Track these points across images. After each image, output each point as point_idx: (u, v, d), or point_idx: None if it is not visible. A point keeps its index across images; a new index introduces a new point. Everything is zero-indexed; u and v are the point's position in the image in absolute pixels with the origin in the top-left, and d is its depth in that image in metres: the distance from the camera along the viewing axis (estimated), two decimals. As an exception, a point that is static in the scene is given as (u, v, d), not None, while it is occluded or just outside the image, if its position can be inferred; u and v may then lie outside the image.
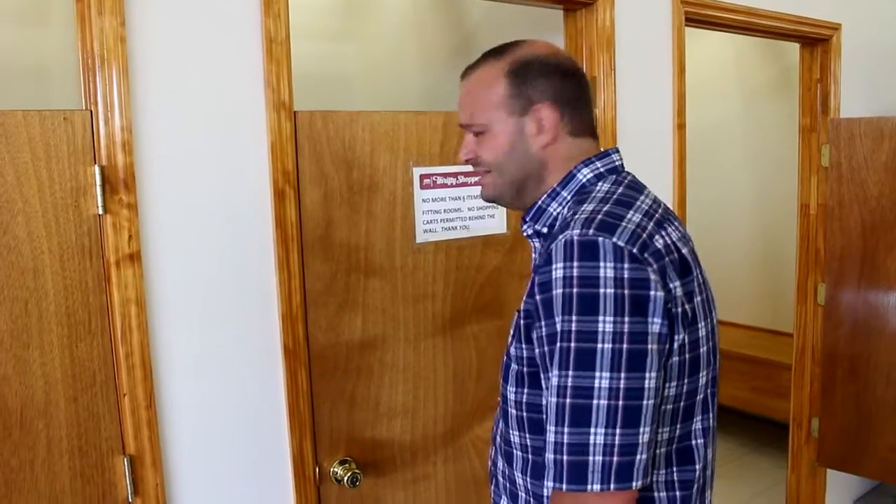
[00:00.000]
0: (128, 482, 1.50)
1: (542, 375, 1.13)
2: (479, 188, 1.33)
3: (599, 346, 1.03)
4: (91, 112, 1.42)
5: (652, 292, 1.06)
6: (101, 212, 1.43)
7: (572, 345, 1.04)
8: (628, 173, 1.28)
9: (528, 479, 1.22)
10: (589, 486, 1.03)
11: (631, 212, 1.14)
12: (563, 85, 1.23)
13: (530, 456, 1.21)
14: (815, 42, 3.11)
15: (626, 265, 1.05)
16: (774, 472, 4.00)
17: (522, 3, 2.16)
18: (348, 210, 1.77)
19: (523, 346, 1.16)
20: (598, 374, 1.03)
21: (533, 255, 1.33)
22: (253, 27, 1.59)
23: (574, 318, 1.04)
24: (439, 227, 1.93)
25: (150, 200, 1.49)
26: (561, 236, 1.09)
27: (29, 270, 1.38)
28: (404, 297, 1.89)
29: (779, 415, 3.86)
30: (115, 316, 1.46)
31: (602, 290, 1.04)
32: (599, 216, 1.11)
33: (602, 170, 1.25)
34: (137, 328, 1.48)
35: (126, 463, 1.50)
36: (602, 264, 1.05)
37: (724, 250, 4.84)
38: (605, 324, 1.04)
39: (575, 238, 1.07)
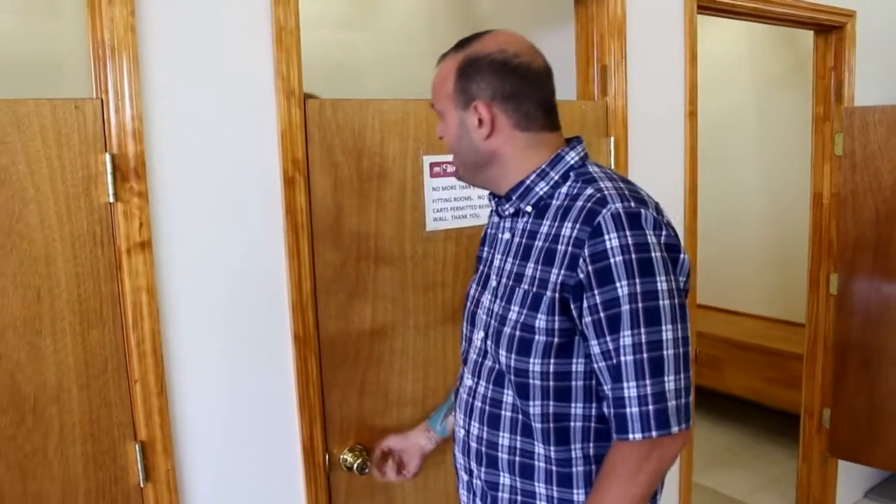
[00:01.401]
0: (139, 468, 1.51)
1: (581, 343, 1.23)
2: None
3: (662, 302, 1.16)
4: (102, 101, 1.43)
5: (682, 255, 1.23)
6: (112, 200, 1.44)
7: (639, 305, 1.15)
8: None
9: (555, 486, 1.31)
10: (673, 428, 1.15)
11: (641, 188, 1.30)
12: (505, 82, 1.28)
13: (552, 453, 1.29)
14: (830, 29, 3.08)
15: (662, 232, 1.20)
16: (786, 463, 3.99)
17: (533, -9, 2.15)
18: (358, 198, 1.78)
19: (555, 318, 1.22)
20: (665, 327, 1.16)
21: (500, 235, 1.40)
22: (263, 16, 1.59)
23: (637, 280, 1.15)
24: (449, 216, 1.93)
25: (161, 189, 1.50)
26: (604, 210, 1.19)
27: (41, 258, 1.39)
28: (414, 285, 1.89)
29: (791, 405, 3.85)
30: (127, 304, 1.47)
31: (654, 255, 1.17)
32: (627, 192, 1.23)
33: (584, 153, 1.36)
34: (148, 316, 1.49)
35: (138, 449, 1.51)
36: (648, 232, 1.18)
37: (737, 240, 4.82)
38: (662, 283, 1.16)
39: (621, 210, 1.18)
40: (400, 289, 1.87)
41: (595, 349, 1.20)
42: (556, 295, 1.22)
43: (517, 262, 1.32)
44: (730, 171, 4.73)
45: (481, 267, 1.48)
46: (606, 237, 1.16)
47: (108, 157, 1.43)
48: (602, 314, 1.17)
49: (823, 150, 3.22)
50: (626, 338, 1.15)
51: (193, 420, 1.58)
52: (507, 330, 1.29)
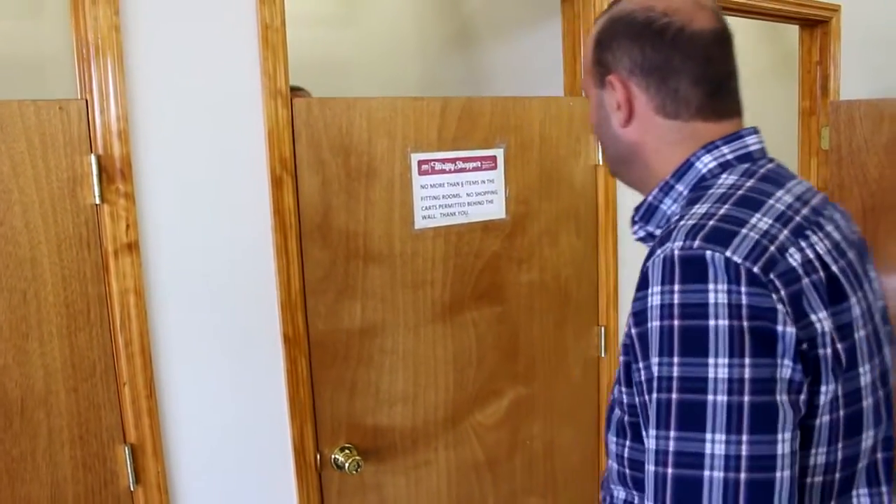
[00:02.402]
0: (129, 471, 1.51)
1: (643, 429, 0.90)
2: None
3: (710, 398, 0.78)
4: (86, 101, 1.42)
5: (779, 327, 0.79)
6: (98, 201, 1.43)
7: (674, 396, 0.80)
8: (769, 160, 1.02)
9: None
10: None
11: (757, 215, 0.87)
12: (644, 50, 0.98)
13: None
14: (815, 24, 3.09)
15: (743, 289, 0.80)
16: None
17: (519, -12, 2.15)
18: (346, 197, 1.77)
19: (623, 389, 0.93)
20: (709, 435, 0.78)
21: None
22: (248, 14, 1.58)
23: (676, 359, 0.81)
24: (438, 214, 1.93)
25: (148, 189, 1.49)
26: (659, 251, 0.85)
27: (27, 260, 1.38)
28: (403, 283, 1.89)
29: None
30: (114, 305, 1.46)
31: (712, 323, 0.79)
32: (711, 222, 0.85)
33: (729, 157, 0.98)
34: (136, 317, 1.48)
35: (127, 452, 1.50)
36: (712, 287, 0.80)
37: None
38: (718, 368, 0.78)
39: (676, 253, 0.83)
40: (389, 287, 1.87)
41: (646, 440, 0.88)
42: (622, 359, 0.92)
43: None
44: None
45: None
46: (650, 291, 0.84)
47: (93, 158, 1.42)
48: (645, 396, 0.86)
49: (810, 143, 3.23)
50: (652, 439, 0.83)
51: (183, 422, 1.57)
52: (609, 399, 1.02)
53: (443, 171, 1.93)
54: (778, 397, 0.78)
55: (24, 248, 1.37)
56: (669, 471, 0.80)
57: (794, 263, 0.84)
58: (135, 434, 1.50)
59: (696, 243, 0.83)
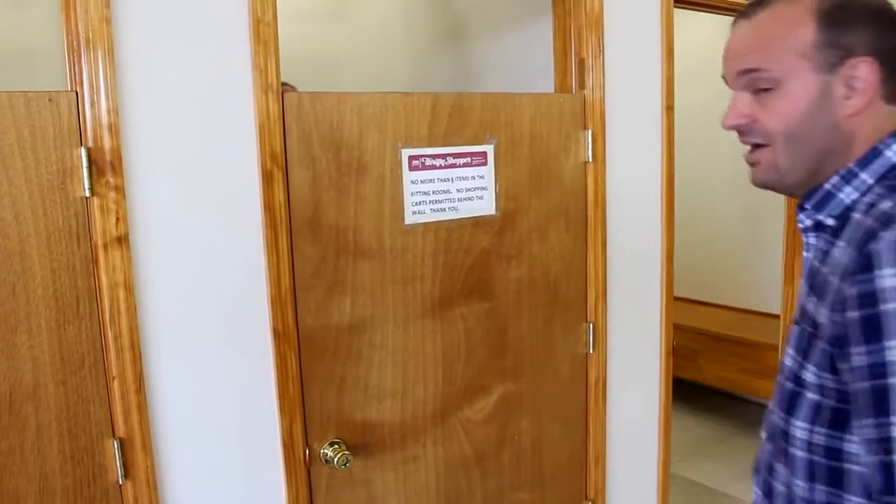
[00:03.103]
0: (118, 465, 1.50)
1: (854, 418, 0.89)
2: (750, 169, 1.04)
3: None
4: (77, 94, 1.41)
5: None
6: (87, 194, 1.43)
7: None
8: None
9: None
10: None
11: None
12: (888, 35, 0.95)
13: None
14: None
15: None
16: (761, 452, 4.03)
17: (511, -15, 2.15)
18: (336, 192, 1.77)
19: (828, 375, 0.91)
20: None
21: (805, 254, 1.06)
22: (240, 8, 1.58)
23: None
24: (428, 209, 1.93)
25: (138, 183, 1.49)
26: (886, 232, 0.84)
27: (16, 253, 1.37)
28: (393, 278, 1.89)
29: (766, 396, 3.89)
30: (104, 299, 1.46)
31: None
32: None
33: None
34: (126, 311, 1.47)
35: (116, 446, 1.50)
36: None
37: (712, 232, 4.86)
38: None
39: None
40: (379, 283, 1.87)
41: (859, 433, 0.88)
42: (825, 346, 0.91)
43: (806, 291, 0.99)
44: (705, 163, 4.77)
45: None
46: (878, 272, 0.83)
47: (83, 150, 1.41)
48: (867, 383, 0.84)
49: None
50: (885, 426, 0.82)
51: (172, 416, 1.57)
52: (780, 380, 1.01)
53: (433, 167, 1.93)
54: None
55: (14, 241, 1.37)
56: None
57: None
58: (124, 428, 1.50)
59: None
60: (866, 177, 0.96)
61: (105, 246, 1.44)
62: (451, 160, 1.96)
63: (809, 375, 0.94)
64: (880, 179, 0.95)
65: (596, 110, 2.24)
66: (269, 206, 1.64)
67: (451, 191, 1.97)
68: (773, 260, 3.72)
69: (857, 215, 0.93)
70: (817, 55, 0.94)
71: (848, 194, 0.97)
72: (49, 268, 1.41)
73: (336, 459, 1.77)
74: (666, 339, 2.53)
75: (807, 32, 0.95)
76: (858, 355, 0.85)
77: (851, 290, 0.85)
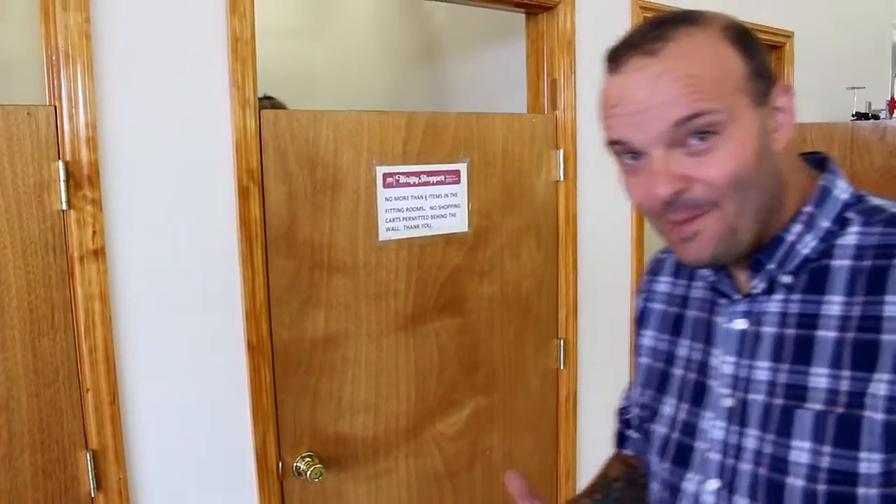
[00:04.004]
0: (90, 477, 1.50)
1: None
2: (684, 248, 0.84)
3: None
4: (55, 108, 1.42)
5: None
6: (64, 207, 1.44)
7: None
8: None
9: None
10: None
11: None
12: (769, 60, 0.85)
13: None
14: (770, 49, 3.19)
15: None
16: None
17: (485, 6, 2.19)
18: (312, 208, 1.79)
19: (884, 454, 0.76)
20: None
21: (712, 319, 0.94)
22: (218, 26, 1.60)
23: None
24: (401, 226, 1.96)
25: (115, 196, 1.50)
26: None
27: (-9, 265, 1.38)
28: (367, 294, 1.91)
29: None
30: (79, 311, 1.46)
31: None
32: None
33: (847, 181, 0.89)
34: (101, 323, 1.48)
35: (89, 458, 1.50)
36: None
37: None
38: None
39: None
40: (353, 298, 1.89)
41: None
42: (893, 417, 0.76)
43: (786, 366, 0.84)
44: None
45: (667, 367, 1.00)
46: None
47: (60, 164, 1.42)
48: None
49: (764, 164, 3.33)
50: None
51: (146, 428, 1.57)
52: (796, 483, 0.80)
53: (407, 185, 1.96)
54: None
55: (-11, 253, 1.37)
56: None
57: None
58: (97, 440, 1.50)
59: None
60: (824, 221, 0.85)
61: (81, 258, 1.45)
62: (424, 178, 1.99)
63: (871, 466, 0.76)
64: (840, 222, 0.85)
65: (567, 130, 2.29)
66: (244, 221, 1.66)
67: (424, 208, 2.00)
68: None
69: (842, 263, 0.82)
70: (750, 87, 0.80)
71: (808, 244, 0.85)
72: (24, 280, 1.41)
73: (309, 473, 1.78)
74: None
75: (735, 62, 0.80)
76: None
77: None
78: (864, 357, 0.78)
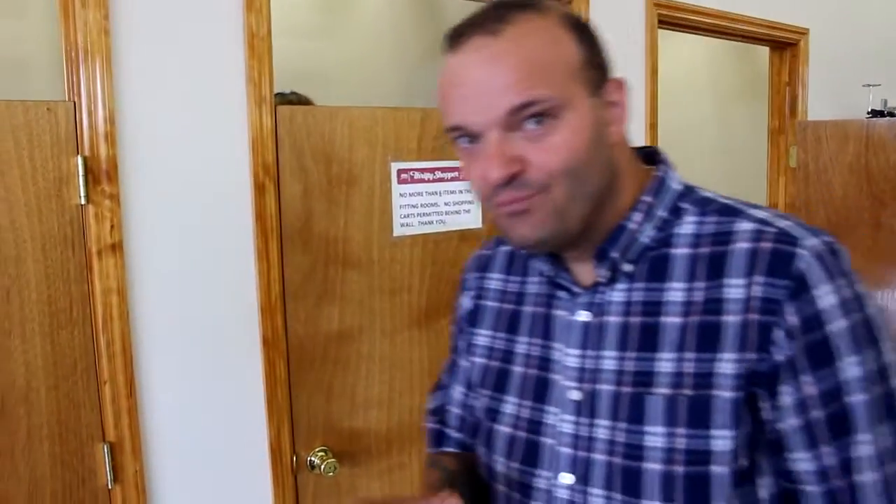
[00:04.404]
0: (108, 469, 1.52)
1: (767, 461, 0.80)
2: (511, 226, 0.84)
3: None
4: (74, 103, 1.44)
5: None
6: (83, 202, 1.45)
7: (880, 390, 0.77)
8: None
9: None
10: None
11: None
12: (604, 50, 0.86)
13: None
14: (784, 46, 3.18)
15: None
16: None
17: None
18: (327, 203, 1.80)
19: (734, 431, 0.78)
20: None
21: (550, 313, 0.93)
22: (235, 22, 1.61)
23: (869, 354, 0.77)
24: (416, 222, 1.97)
25: (133, 191, 1.51)
26: (802, 249, 0.78)
27: (11, 258, 1.39)
28: (381, 289, 1.92)
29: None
30: (97, 305, 1.48)
31: (873, 311, 0.80)
32: (796, 219, 0.84)
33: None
34: (118, 317, 1.50)
35: (106, 450, 1.52)
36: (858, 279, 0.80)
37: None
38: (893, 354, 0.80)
39: (834, 246, 0.80)
40: (367, 293, 1.90)
41: (805, 465, 0.79)
42: (740, 394, 0.78)
43: (633, 354, 0.84)
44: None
45: (505, 365, 0.97)
46: (816, 292, 0.77)
47: (79, 159, 1.44)
48: (822, 411, 0.77)
49: (779, 162, 3.32)
50: (863, 445, 0.76)
51: (162, 421, 1.59)
52: (654, 468, 0.80)
53: (421, 181, 1.97)
54: None
55: (9, 247, 1.39)
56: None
57: None
58: (114, 432, 1.52)
59: (830, 238, 0.80)
60: (661, 211, 0.87)
61: (99, 253, 1.47)
62: (439, 174, 2.00)
63: (723, 443, 0.78)
64: (674, 211, 0.87)
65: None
66: (260, 216, 1.67)
67: (438, 204, 2.00)
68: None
69: (680, 251, 0.84)
70: (585, 77, 0.81)
71: (647, 234, 0.86)
72: (43, 273, 1.43)
73: (323, 467, 1.80)
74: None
75: (572, 50, 0.81)
76: (807, 385, 0.77)
77: (789, 318, 0.77)
78: (709, 339, 0.80)
